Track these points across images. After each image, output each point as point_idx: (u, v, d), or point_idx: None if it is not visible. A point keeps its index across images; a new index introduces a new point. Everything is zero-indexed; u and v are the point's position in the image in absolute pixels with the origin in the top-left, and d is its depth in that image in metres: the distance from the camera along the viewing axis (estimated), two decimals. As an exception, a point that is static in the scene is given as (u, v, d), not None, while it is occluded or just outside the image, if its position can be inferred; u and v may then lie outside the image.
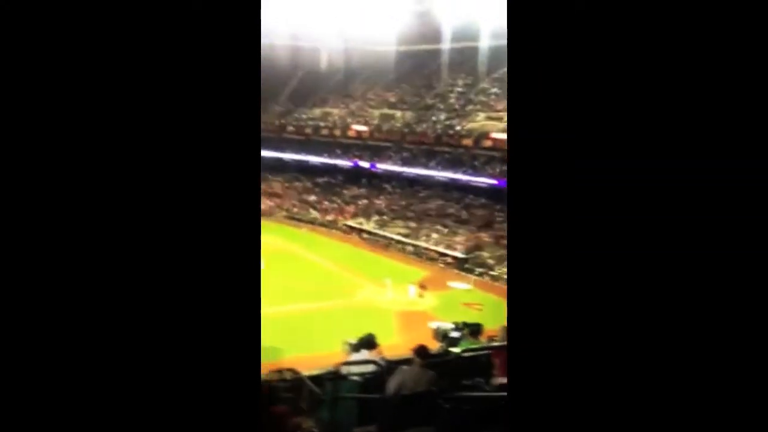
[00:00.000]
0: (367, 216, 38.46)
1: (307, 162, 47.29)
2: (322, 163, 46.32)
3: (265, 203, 44.41)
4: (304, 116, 51.10)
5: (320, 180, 45.95)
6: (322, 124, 49.39)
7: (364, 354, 5.87)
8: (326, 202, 42.68)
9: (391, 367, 4.97)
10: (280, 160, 48.83)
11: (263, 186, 47.76)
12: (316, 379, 5.17)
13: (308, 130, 49.20)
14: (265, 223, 39.19)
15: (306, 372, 5.32)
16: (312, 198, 44.27)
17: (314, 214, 41.70)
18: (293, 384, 4.97)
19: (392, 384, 4.32)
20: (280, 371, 5.12)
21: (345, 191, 43.48)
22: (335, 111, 49.87)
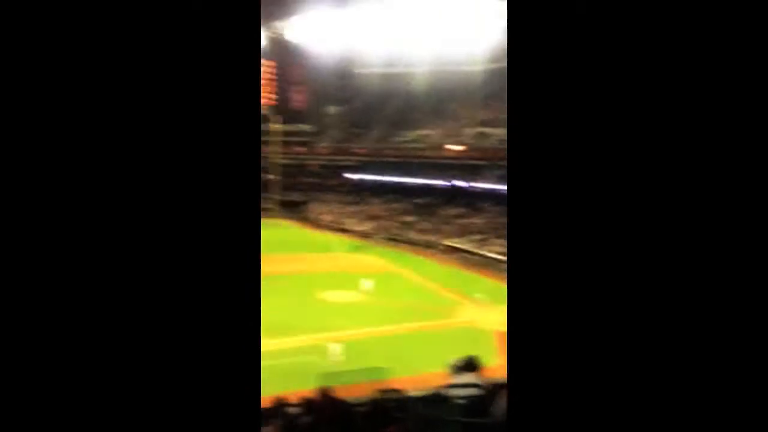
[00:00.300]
0: (466, 235, 38.10)
1: (405, 183, 48.09)
2: (419, 184, 46.85)
3: (366, 225, 45.70)
4: (400, 139, 52.21)
5: (419, 201, 46.44)
6: (419, 145, 50.14)
7: (467, 376, 5.89)
8: (425, 223, 42.96)
9: (494, 389, 4.97)
10: (378, 182, 50.19)
11: (363, 208, 49.26)
12: (421, 400, 5.31)
13: (406, 153, 50.16)
14: (366, 244, 39.78)
15: (411, 393, 5.48)
16: (411, 219, 44.80)
17: (413, 234, 42.11)
18: (399, 405, 5.15)
19: (498, 408, 4.33)
20: (385, 391, 5.32)
21: (443, 211, 43.50)
22: (430, 132, 50.38)
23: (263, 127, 59.09)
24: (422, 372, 13.65)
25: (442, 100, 52.50)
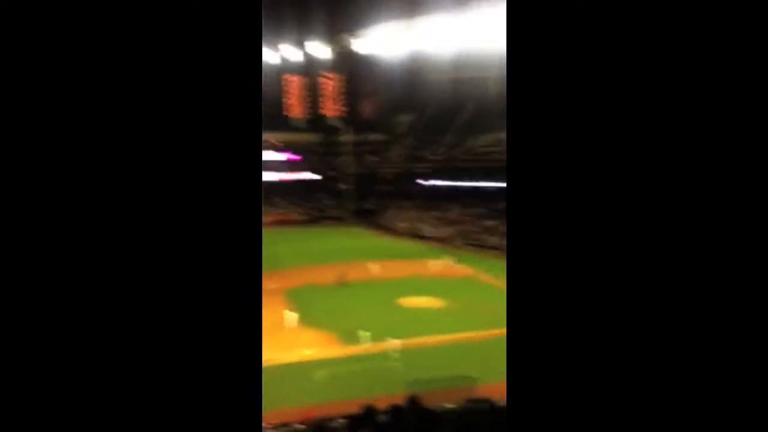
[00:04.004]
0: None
1: (481, 188, 47.32)
2: (497, 187, 45.90)
3: (444, 231, 45.40)
4: (475, 143, 51.52)
5: (496, 204, 45.47)
6: (493, 149, 49.18)
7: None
8: (503, 227, 41.94)
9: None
10: (455, 187, 49.73)
11: (440, 214, 49.05)
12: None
13: (480, 156, 49.39)
14: (445, 250, 39.37)
15: (500, 402, 5.28)
16: (490, 223, 43.95)
17: (493, 239, 41.26)
18: (488, 413, 4.97)
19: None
20: (475, 400, 5.17)
21: (523, 214, 42.29)
22: (504, 135, 49.28)
23: (335, 138, 61.51)
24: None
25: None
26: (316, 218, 56.71)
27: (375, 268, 31.83)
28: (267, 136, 55.60)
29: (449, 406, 5.29)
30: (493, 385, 11.11)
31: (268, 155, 56.62)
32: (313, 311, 23.42)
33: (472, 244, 41.75)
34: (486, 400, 5.30)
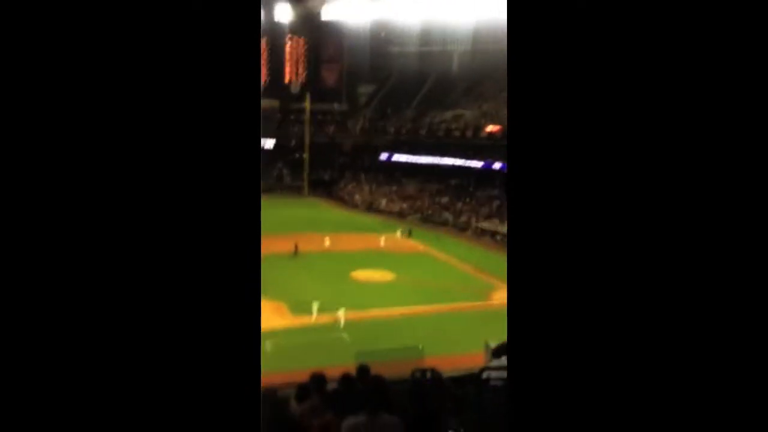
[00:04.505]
0: (501, 217, 37.62)
1: (439, 164, 47.70)
2: (454, 165, 46.40)
3: (400, 206, 45.69)
4: (436, 119, 51.63)
5: (453, 182, 46.05)
6: (454, 125, 49.49)
7: (503, 360, 5.83)
8: (459, 204, 42.62)
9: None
10: (413, 163, 49.91)
11: (397, 188, 49.27)
12: (458, 380, 5.26)
13: (441, 133, 49.62)
14: (399, 224, 39.87)
15: (448, 373, 5.44)
16: (445, 200, 44.52)
17: (447, 216, 41.89)
18: (435, 384, 5.12)
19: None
20: (423, 371, 5.30)
21: (478, 192, 43.03)
22: (467, 112, 49.61)
23: (294, 106, 60.17)
24: (458, 353, 13.65)
25: (481, 80, 51.52)
26: (271, 187, 55.77)
27: (329, 240, 31.77)
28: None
29: (398, 376, 5.40)
30: (440, 357, 11.44)
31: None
32: (265, 281, 23.21)
33: (426, 220, 42.24)
34: (432, 370, 5.44)
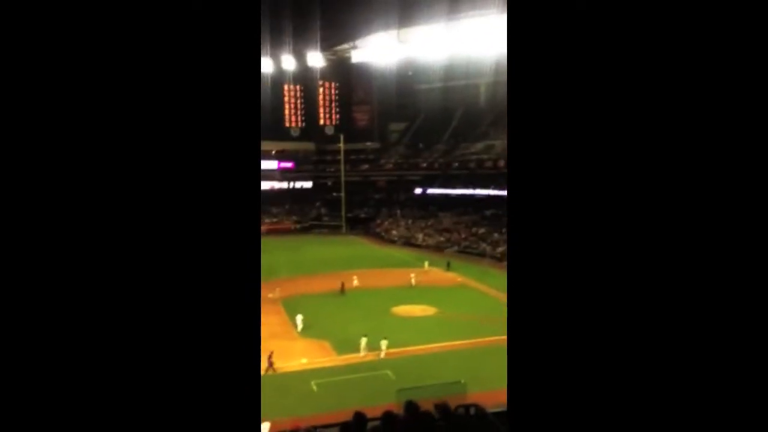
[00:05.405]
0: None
1: (473, 195, 47.56)
2: (488, 195, 46.14)
3: (437, 239, 45.52)
4: (468, 151, 51.82)
5: (488, 212, 45.70)
6: (485, 156, 49.50)
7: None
8: (496, 234, 42.15)
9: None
10: (447, 195, 49.95)
11: (433, 222, 49.20)
12: (502, 415, 5.21)
13: (473, 165, 49.67)
14: (436, 257, 39.20)
15: (491, 408, 5.39)
16: (482, 231, 44.13)
17: (485, 246, 41.43)
18: (479, 420, 5.08)
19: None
20: (466, 407, 5.27)
21: (515, 221, 42.38)
22: (497, 143, 49.60)
23: (329, 147, 61.59)
24: (501, 388, 13.27)
25: (504, 111, 51.36)
26: (310, 227, 56.67)
27: (366, 277, 31.86)
28: (261, 145, 55.43)
29: (440, 412, 5.39)
30: (482, 393, 11.21)
31: (262, 164, 56.34)
32: (314, 320, 23.39)
33: (464, 252, 41.86)
34: (475, 406, 5.40)
